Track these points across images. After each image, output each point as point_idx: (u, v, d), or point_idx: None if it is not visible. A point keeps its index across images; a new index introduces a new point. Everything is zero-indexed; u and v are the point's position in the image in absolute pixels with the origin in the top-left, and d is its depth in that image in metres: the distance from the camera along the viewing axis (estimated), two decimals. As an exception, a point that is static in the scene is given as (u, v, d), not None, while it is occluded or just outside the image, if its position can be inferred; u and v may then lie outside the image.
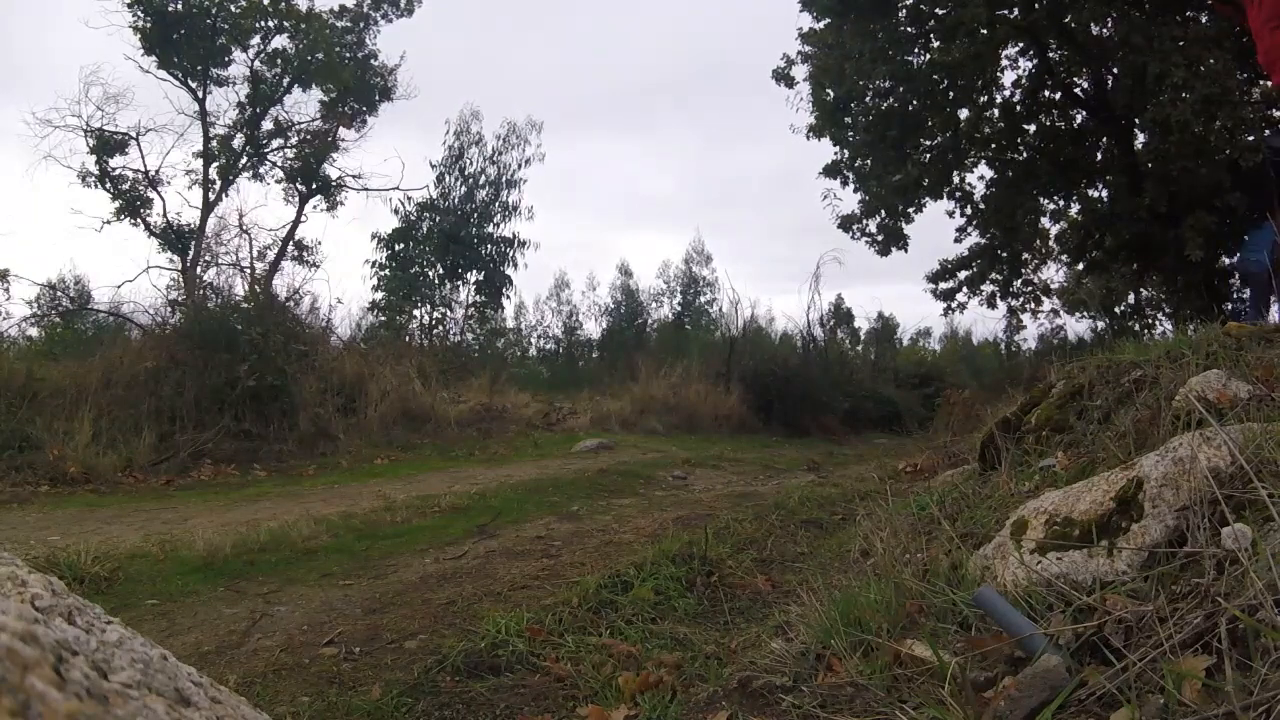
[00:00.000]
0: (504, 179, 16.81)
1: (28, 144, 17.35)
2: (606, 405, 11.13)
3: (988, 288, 13.37)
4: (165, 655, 0.77)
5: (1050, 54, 11.24)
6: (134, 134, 12.31)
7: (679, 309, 20.99)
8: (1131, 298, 13.13)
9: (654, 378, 11.97)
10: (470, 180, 16.75)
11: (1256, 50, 2.43)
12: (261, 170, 13.82)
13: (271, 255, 13.16)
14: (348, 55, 13.84)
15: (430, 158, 16.79)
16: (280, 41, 13.46)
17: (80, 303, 12.29)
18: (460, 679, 2.04)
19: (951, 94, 11.45)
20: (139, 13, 12.15)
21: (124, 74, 13.78)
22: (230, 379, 6.97)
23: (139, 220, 12.70)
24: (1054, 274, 14.61)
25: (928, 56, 11.13)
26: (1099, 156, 11.85)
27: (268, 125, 13.81)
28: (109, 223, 12.46)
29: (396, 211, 15.84)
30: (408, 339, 14.51)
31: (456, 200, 16.63)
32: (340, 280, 38.45)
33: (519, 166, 16.93)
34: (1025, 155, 12.29)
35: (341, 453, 7.19)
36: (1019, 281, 13.88)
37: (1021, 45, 11.35)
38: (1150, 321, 12.65)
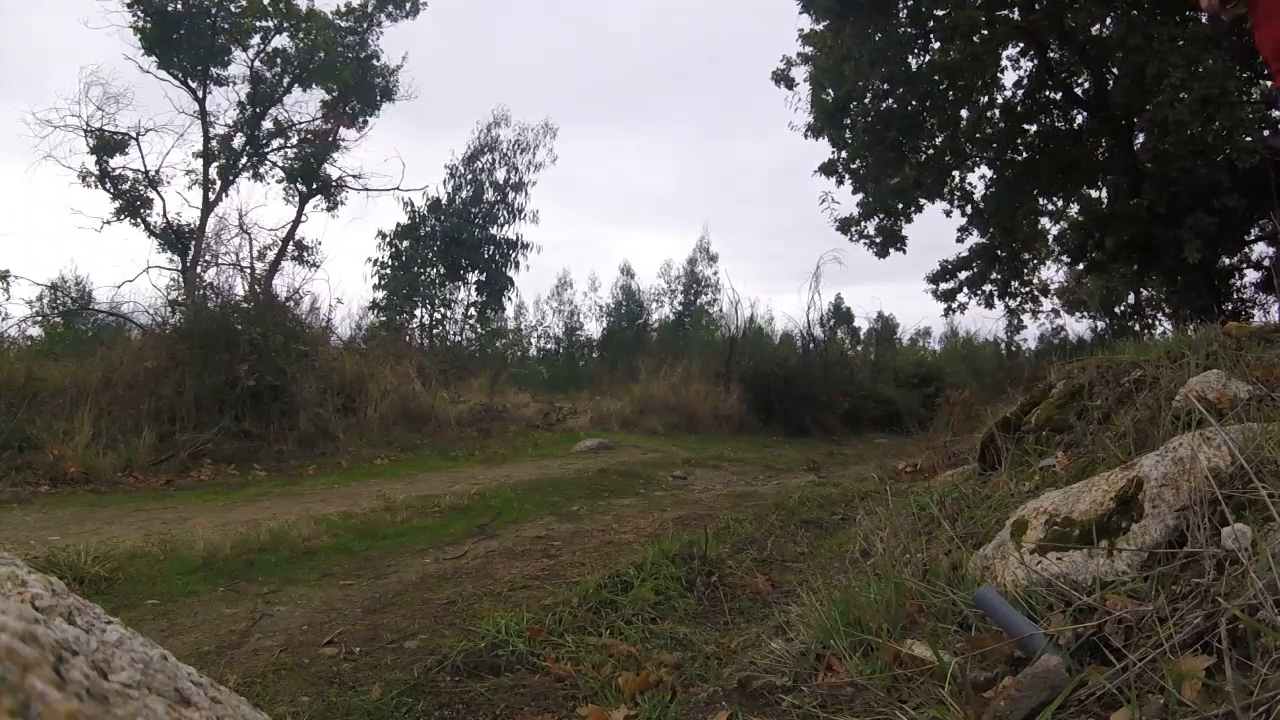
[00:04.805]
0: (511, 182, 16.80)
1: (28, 144, 17.39)
2: (606, 405, 11.13)
3: (987, 288, 13.39)
4: (165, 655, 0.77)
5: (1050, 54, 11.25)
6: (134, 134, 12.32)
7: (680, 309, 20.99)
8: (1131, 298, 13.14)
9: (654, 378, 11.98)
10: (479, 183, 16.74)
11: (1256, 43, 2.43)
12: (261, 170, 13.82)
13: (271, 255, 13.14)
14: (349, 55, 13.84)
15: (438, 158, 16.78)
16: (280, 41, 13.47)
17: (80, 303, 12.29)
18: (460, 679, 2.04)
19: (951, 95, 11.46)
20: (139, 13, 12.15)
21: (124, 74, 13.79)
22: (230, 379, 6.96)
23: (139, 220, 12.70)
24: (1054, 274, 14.64)
25: (928, 57, 11.14)
26: (1099, 157, 11.85)
27: (268, 125, 13.82)
28: (109, 223, 12.46)
29: (407, 206, 15.86)
30: (408, 339, 14.50)
31: (461, 202, 16.60)
32: (340, 280, 38.49)
33: (528, 169, 16.93)
34: (1025, 155, 12.30)
35: (341, 453, 7.19)
36: (1017, 281, 13.90)
37: (1021, 46, 11.36)
38: (1150, 321, 12.68)
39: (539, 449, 8.36)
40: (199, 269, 11.97)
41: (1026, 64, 11.79)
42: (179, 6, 12.43)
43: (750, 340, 14.09)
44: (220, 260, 11.40)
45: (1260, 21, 2.35)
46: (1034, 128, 12.19)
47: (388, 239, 16.08)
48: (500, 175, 16.79)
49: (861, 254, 15.16)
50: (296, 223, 13.87)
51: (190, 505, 4.91)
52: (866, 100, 11.80)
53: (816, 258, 19.01)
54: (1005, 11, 10.31)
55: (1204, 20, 8.60)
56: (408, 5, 14.23)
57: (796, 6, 11.67)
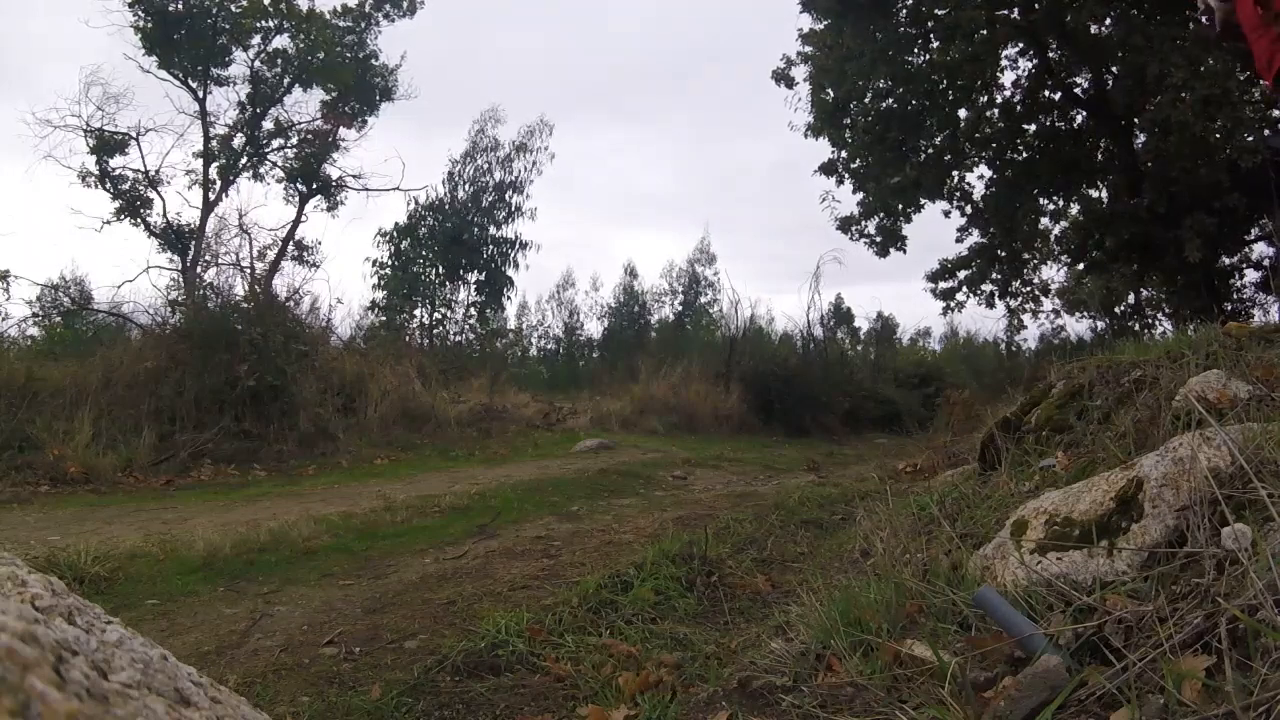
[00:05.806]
0: (509, 181, 16.78)
1: (28, 144, 17.40)
2: (606, 405, 11.13)
3: (987, 287, 13.38)
4: (165, 655, 0.77)
5: (1050, 54, 11.24)
6: (134, 134, 12.31)
7: (680, 309, 20.99)
8: (1131, 298, 13.13)
9: (654, 378, 11.98)
10: (478, 184, 16.73)
11: (1253, 57, 2.44)
12: (261, 170, 13.82)
13: (271, 255, 13.10)
14: (348, 55, 13.84)
15: (438, 158, 16.81)
16: (281, 41, 13.47)
17: (80, 303, 12.28)
18: (460, 679, 2.04)
19: (951, 94, 11.45)
20: (140, 12, 12.15)
21: (124, 74, 13.80)
22: (230, 379, 6.96)
23: (139, 220, 12.69)
24: (1054, 274, 14.61)
25: (928, 57, 11.14)
26: (1099, 156, 11.85)
27: (268, 125, 13.81)
28: (109, 223, 12.45)
29: (411, 204, 15.87)
30: (408, 339, 14.50)
31: (459, 202, 16.60)
32: (340, 280, 38.52)
33: (527, 169, 16.92)
34: (1025, 155, 12.30)
35: (341, 453, 7.19)
36: (1017, 281, 13.89)
37: (1021, 45, 11.35)
38: (1150, 321, 12.66)
39: (539, 449, 8.36)
40: (199, 269, 11.96)
41: (1026, 64, 11.79)
42: (179, 6, 12.43)
43: (750, 340, 14.09)
44: (220, 260, 11.40)
45: (1249, 32, 2.36)
46: (1034, 128, 12.19)
47: (387, 238, 16.09)
48: (499, 174, 16.81)
49: (861, 254, 15.17)
50: (296, 223, 13.87)
51: (190, 505, 4.91)
52: (866, 100, 11.80)
53: (816, 258, 19.06)
54: (1005, 11, 10.30)
55: (1204, 21, 8.59)
56: (405, 4, 14.23)
57: (796, 6, 11.69)
